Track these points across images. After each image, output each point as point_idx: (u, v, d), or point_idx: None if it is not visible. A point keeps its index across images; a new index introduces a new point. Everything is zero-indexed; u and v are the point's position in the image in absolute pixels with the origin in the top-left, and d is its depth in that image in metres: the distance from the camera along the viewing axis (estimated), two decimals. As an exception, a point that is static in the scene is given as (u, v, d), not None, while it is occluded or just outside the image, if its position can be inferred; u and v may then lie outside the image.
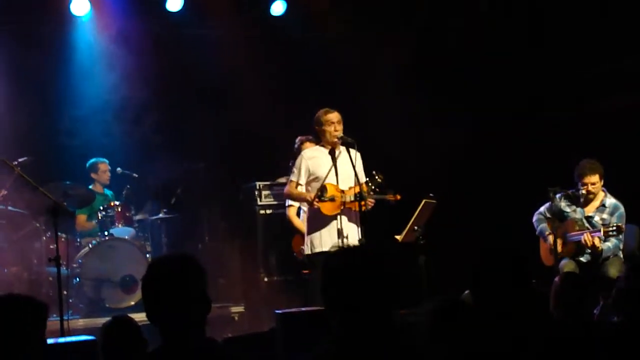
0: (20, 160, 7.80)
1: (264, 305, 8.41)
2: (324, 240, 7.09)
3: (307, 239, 7.24)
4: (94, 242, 8.60)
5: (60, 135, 9.13)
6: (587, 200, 7.64)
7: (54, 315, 6.51)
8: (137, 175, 9.40)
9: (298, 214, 7.83)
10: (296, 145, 7.96)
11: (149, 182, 9.45)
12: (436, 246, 7.77)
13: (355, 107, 8.56)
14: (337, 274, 2.95)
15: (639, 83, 8.64)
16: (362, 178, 7.21)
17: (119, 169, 9.37)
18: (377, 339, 2.89)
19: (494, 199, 9.27)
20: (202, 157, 9.69)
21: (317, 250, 7.12)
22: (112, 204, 8.96)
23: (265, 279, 8.62)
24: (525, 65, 9.42)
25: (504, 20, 9.46)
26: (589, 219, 7.61)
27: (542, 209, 7.82)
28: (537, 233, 7.84)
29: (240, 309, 8.74)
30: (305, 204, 7.37)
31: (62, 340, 5.38)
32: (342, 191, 7.00)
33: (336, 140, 7.12)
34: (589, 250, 7.46)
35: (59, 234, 7.13)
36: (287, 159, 8.10)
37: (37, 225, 8.22)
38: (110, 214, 8.86)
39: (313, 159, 7.26)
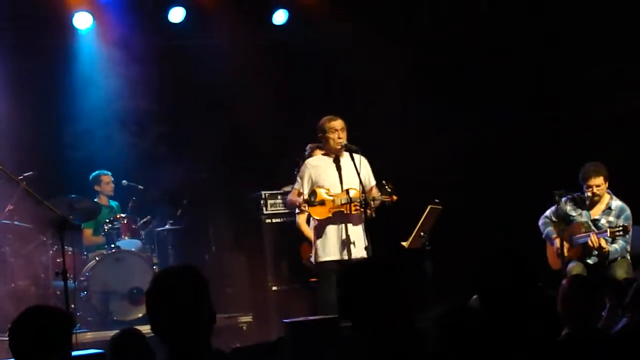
0: (25, 174, 7.81)
1: (272, 315, 8.41)
2: (329, 250, 7.11)
3: (314, 248, 7.26)
4: (100, 255, 8.60)
5: (64, 148, 9.15)
6: (593, 203, 7.62)
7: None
8: (142, 187, 9.41)
9: (308, 222, 7.83)
10: (307, 153, 7.94)
11: (154, 193, 9.45)
12: (443, 252, 7.76)
13: (358, 113, 8.55)
14: (361, 287, 2.98)
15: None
16: (372, 181, 7.24)
17: (124, 181, 9.38)
18: (404, 346, 2.93)
19: (500, 202, 9.24)
20: (206, 167, 9.70)
21: (322, 259, 7.13)
22: (118, 216, 8.98)
23: (273, 288, 8.61)
24: (528, 66, 9.42)
25: (504, 20, 9.45)
26: (595, 222, 7.59)
27: (548, 212, 7.81)
28: (543, 237, 7.82)
29: (248, 318, 8.73)
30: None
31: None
32: (347, 195, 7.00)
33: (340, 147, 7.13)
34: (596, 252, 7.45)
35: (66, 247, 7.14)
36: (291, 168, 8.10)
37: (44, 239, 8.23)
38: (116, 227, 8.87)
39: (316, 168, 7.28)
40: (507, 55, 9.43)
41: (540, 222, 7.87)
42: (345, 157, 7.18)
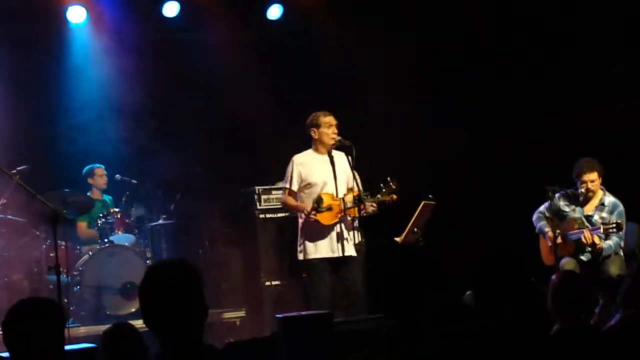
0: (19, 168, 7.79)
1: (265, 310, 8.41)
2: (320, 248, 7.02)
3: (300, 244, 7.14)
4: (94, 249, 8.59)
5: (58, 142, 9.15)
6: (587, 199, 7.64)
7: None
8: (136, 182, 9.40)
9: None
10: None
11: (147, 188, 9.44)
12: (436, 247, 7.75)
13: (354, 109, 8.55)
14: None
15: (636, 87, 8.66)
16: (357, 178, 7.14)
17: (117, 175, 9.36)
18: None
19: (494, 199, 9.24)
20: (200, 162, 9.69)
21: (312, 257, 7.04)
22: (111, 210, 8.96)
23: (267, 283, 8.60)
24: (525, 66, 9.42)
25: (504, 20, 9.45)
26: (588, 217, 7.61)
27: (541, 208, 7.82)
28: (536, 231, 7.83)
29: (241, 313, 8.72)
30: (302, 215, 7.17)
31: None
32: (342, 198, 6.94)
33: (334, 142, 7.08)
34: (589, 249, 7.46)
35: (59, 241, 7.13)
36: (286, 163, 8.08)
37: (37, 233, 8.21)
38: (109, 221, 8.87)
39: (305, 165, 7.17)
40: (507, 55, 9.43)
41: (534, 217, 7.88)
42: (335, 153, 7.12)
